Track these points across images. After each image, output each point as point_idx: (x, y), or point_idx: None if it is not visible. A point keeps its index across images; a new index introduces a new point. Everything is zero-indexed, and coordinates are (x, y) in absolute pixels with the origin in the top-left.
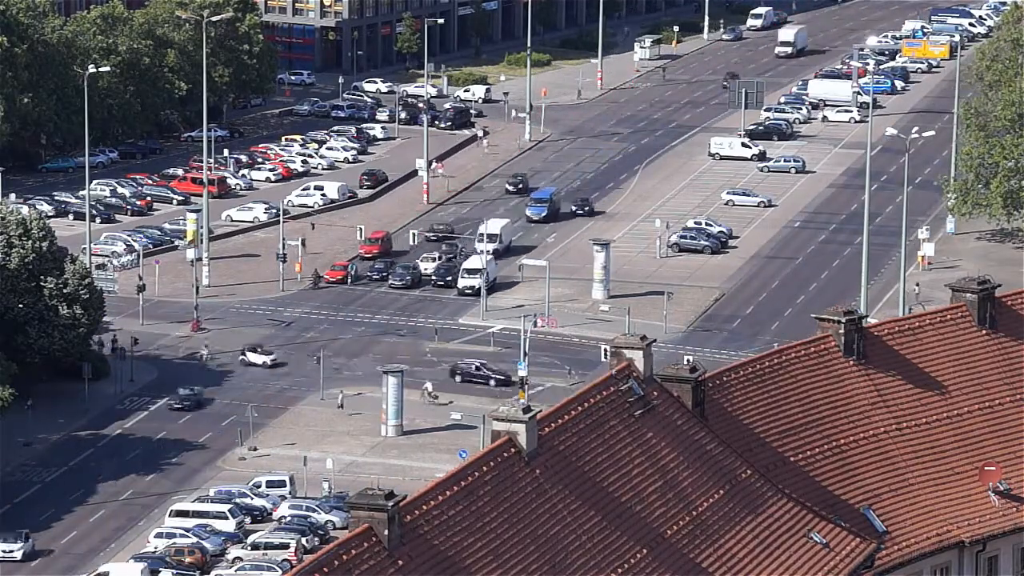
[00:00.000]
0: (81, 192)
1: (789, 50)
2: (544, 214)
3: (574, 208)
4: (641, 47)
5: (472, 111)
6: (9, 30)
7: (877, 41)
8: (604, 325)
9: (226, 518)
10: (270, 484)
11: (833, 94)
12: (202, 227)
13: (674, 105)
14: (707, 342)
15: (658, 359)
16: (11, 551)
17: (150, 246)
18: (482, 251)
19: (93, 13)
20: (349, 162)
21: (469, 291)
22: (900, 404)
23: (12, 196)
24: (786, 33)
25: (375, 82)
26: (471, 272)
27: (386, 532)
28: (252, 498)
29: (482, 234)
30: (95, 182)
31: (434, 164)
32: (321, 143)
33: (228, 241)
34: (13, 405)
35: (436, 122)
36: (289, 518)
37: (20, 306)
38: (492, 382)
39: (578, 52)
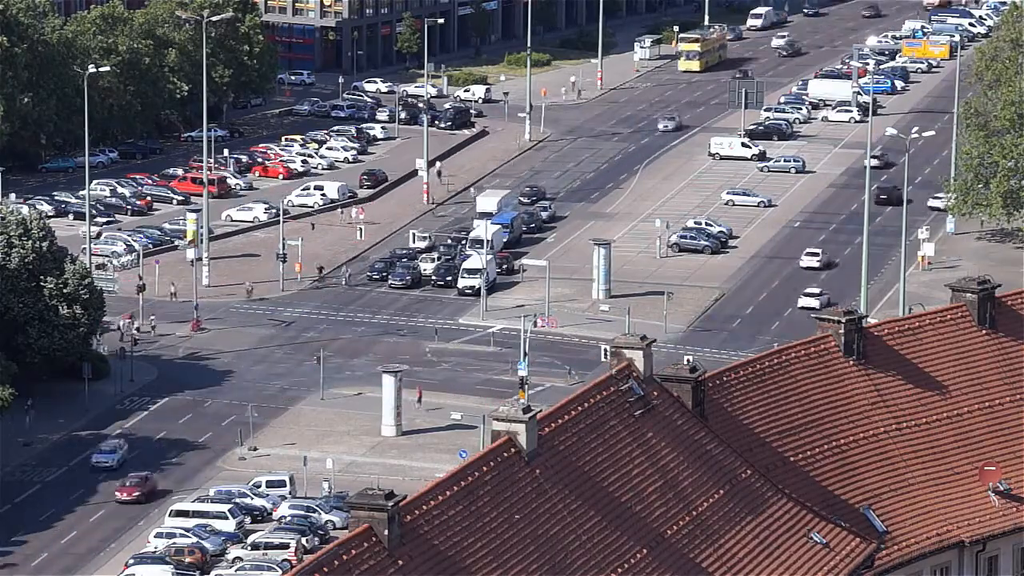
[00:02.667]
0: (81, 192)
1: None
2: (505, 240)
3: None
4: (641, 47)
5: (472, 111)
6: (9, 30)
7: (877, 41)
8: (604, 325)
9: (226, 518)
10: (270, 484)
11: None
12: (202, 227)
13: (674, 105)
14: (707, 342)
15: (658, 359)
16: None
17: (150, 246)
18: (489, 235)
19: (93, 13)
20: (349, 162)
21: (469, 291)
22: (900, 404)
23: (12, 196)
24: (487, 201)
25: (375, 82)
26: (471, 272)
27: (386, 532)
28: (252, 498)
29: (475, 239)
30: (95, 182)
31: (355, 211)
32: (321, 143)
33: (228, 241)
34: (13, 405)
35: (436, 122)
36: (289, 518)
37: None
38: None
39: (578, 52)
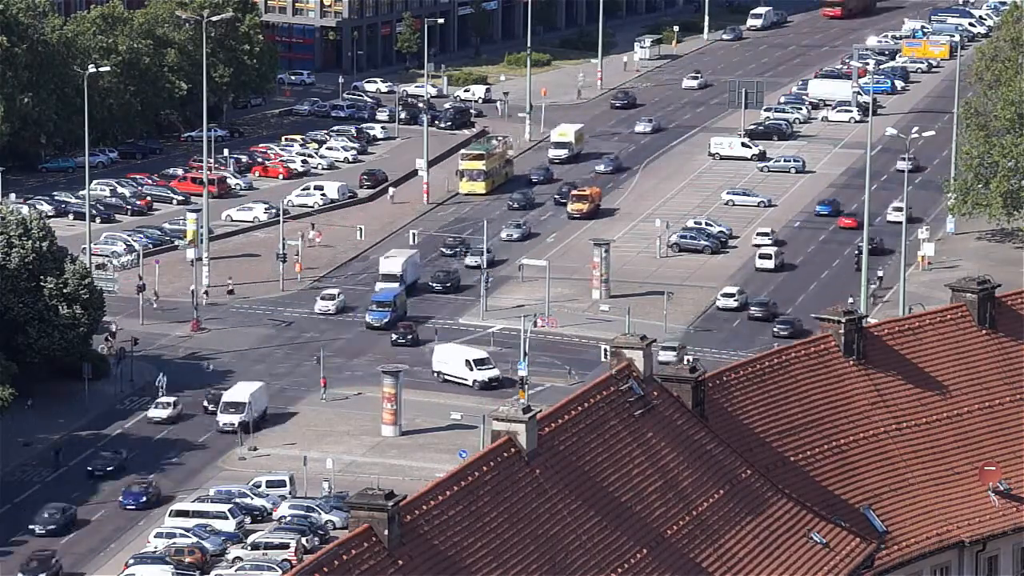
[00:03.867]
0: (81, 192)
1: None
2: (387, 320)
3: (436, 283)
4: (641, 47)
5: (472, 111)
6: (9, 30)
7: (877, 41)
8: (604, 325)
9: (226, 518)
10: (270, 484)
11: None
12: (202, 227)
13: (674, 105)
14: (707, 342)
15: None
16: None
17: (150, 246)
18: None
19: (93, 13)
20: (349, 162)
21: (229, 428)
22: (900, 404)
23: (12, 196)
24: (390, 263)
25: (375, 82)
26: (232, 406)
27: (386, 532)
28: (252, 498)
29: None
30: (95, 182)
31: (312, 233)
32: (321, 143)
33: (228, 241)
34: (13, 405)
35: (436, 122)
36: (289, 518)
37: (21, 303)
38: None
39: (578, 52)
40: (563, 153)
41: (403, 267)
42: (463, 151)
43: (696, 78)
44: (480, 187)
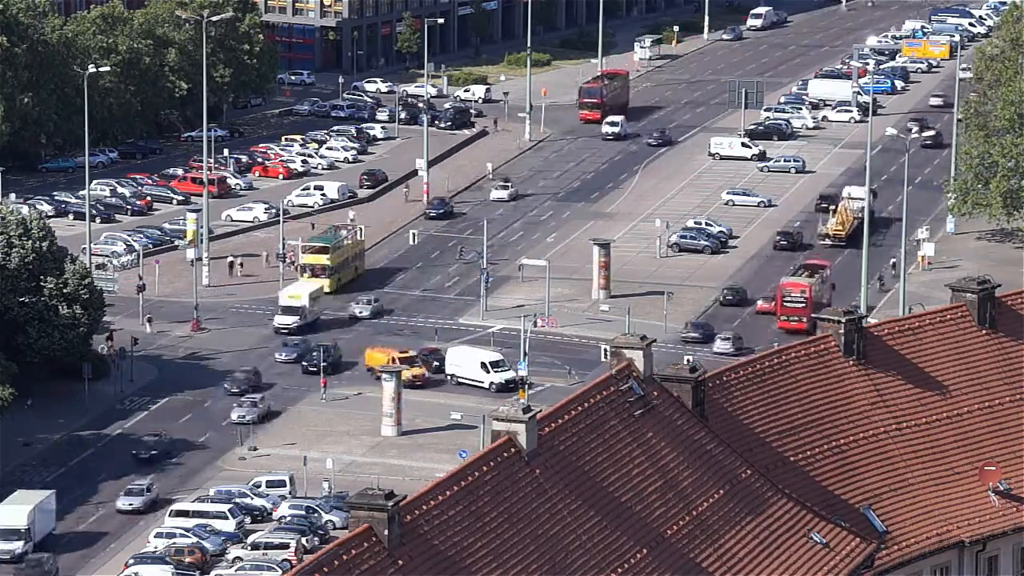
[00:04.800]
0: (81, 192)
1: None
2: None
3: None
4: (641, 47)
5: (472, 111)
6: (9, 30)
7: (877, 41)
8: (604, 325)
9: (226, 518)
10: (270, 484)
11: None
12: (202, 227)
13: (674, 105)
14: (707, 342)
15: (658, 359)
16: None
17: (150, 246)
18: None
19: (93, 13)
20: (349, 162)
21: None
22: (900, 404)
23: (12, 196)
24: (13, 513)
25: (375, 82)
26: None
27: (386, 532)
28: (252, 498)
29: None
30: (95, 182)
31: (285, 250)
32: (321, 143)
33: (228, 241)
34: (13, 405)
35: (436, 122)
36: (289, 518)
37: (21, 303)
38: None
39: (578, 52)
40: (291, 322)
41: (30, 518)
42: (303, 243)
43: (506, 187)
44: (326, 285)
